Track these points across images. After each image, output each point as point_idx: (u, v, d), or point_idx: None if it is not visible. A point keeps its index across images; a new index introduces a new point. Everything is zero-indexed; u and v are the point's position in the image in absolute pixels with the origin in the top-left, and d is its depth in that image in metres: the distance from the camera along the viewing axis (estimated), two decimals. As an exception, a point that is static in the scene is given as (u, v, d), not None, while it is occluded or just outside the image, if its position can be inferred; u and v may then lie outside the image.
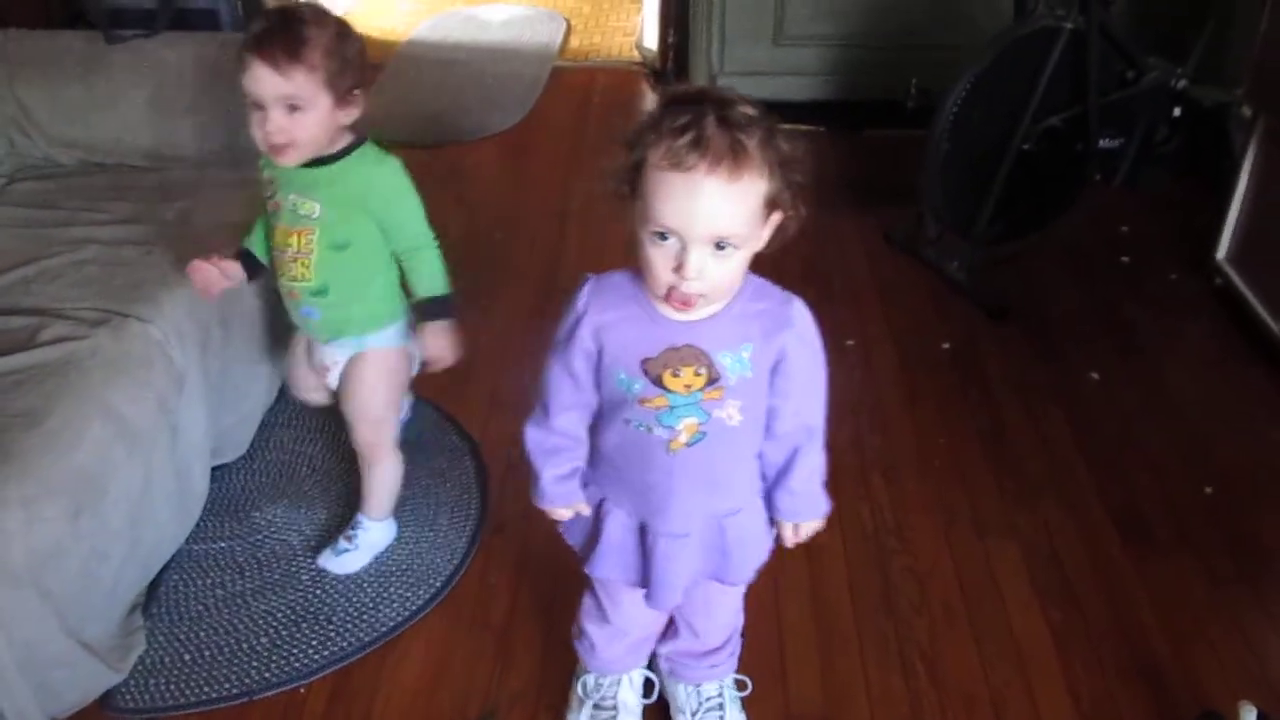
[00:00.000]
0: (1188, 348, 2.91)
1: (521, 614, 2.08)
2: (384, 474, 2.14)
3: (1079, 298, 3.07)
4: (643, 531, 1.53)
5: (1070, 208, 3.15)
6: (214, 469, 2.33)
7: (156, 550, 2.09)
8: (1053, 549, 2.23)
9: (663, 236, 1.26)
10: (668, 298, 1.31)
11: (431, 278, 1.97)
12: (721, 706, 1.81)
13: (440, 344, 1.98)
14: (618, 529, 1.55)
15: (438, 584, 2.12)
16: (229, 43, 2.80)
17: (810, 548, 1.66)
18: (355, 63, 1.85)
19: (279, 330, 2.58)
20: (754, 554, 1.59)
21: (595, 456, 1.54)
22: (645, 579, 1.56)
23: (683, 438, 1.42)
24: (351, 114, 1.89)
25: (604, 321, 1.40)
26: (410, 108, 4.32)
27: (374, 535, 2.17)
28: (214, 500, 2.29)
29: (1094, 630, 2.06)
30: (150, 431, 2.02)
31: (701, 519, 1.51)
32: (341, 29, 1.85)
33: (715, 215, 1.24)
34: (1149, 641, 2.03)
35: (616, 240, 3.49)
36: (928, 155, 2.91)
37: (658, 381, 1.38)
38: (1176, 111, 3.08)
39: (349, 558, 2.15)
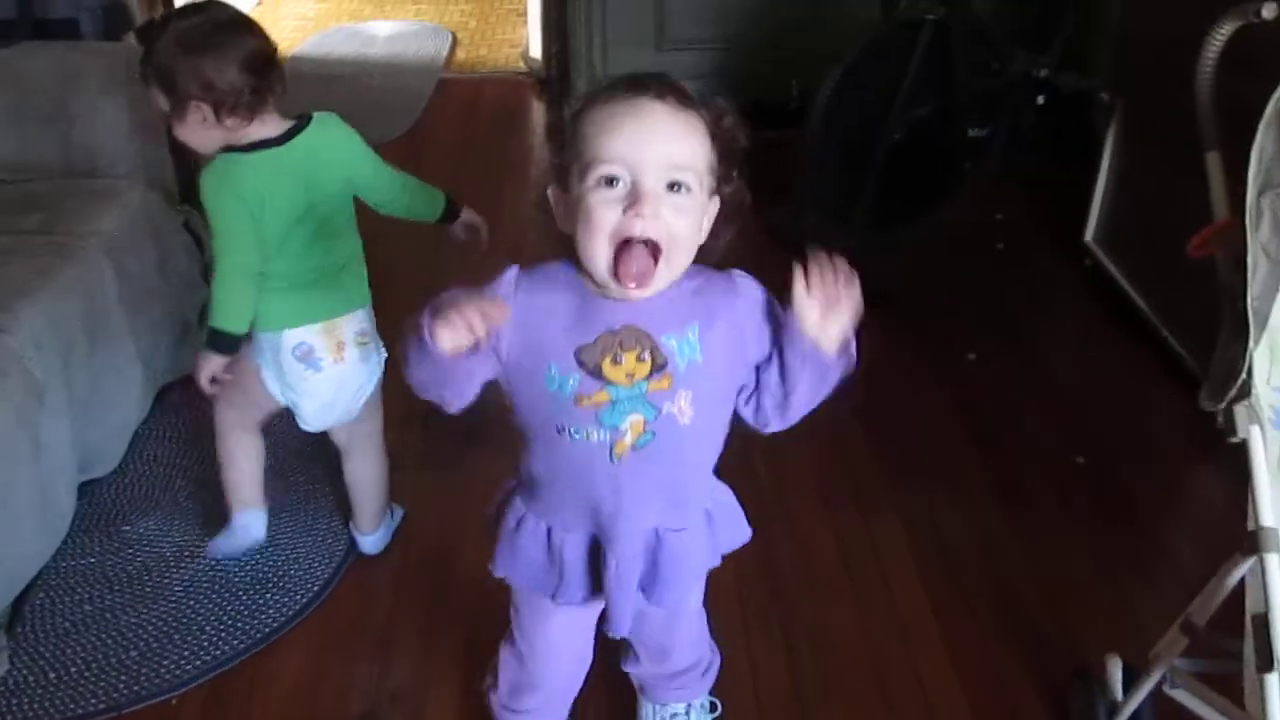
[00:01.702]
0: (1061, 326, 2.99)
1: (401, 616, 2.04)
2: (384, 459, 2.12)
3: (957, 283, 3.13)
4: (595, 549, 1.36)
5: (945, 197, 3.22)
6: (84, 484, 2.27)
7: (19, 568, 2.02)
8: (933, 521, 2.27)
9: (610, 182, 1.14)
10: (617, 269, 1.15)
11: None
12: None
13: None
14: (577, 553, 1.36)
15: (315, 588, 2.08)
16: (91, 52, 2.75)
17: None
18: None
19: (149, 342, 2.52)
20: (687, 579, 1.42)
21: (529, 485, 1.36)
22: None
23: (628, 439, 1.24)
24: None
25: (531, 307, 1.22)
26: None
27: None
28: (83, 516, 2.23)
29: (973, 596, 2.10)
30: (8, 446, 1.95)
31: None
32: None
33: (667, 139, 1.14)
34: (1026, 605, 2.07)
35: (503, 248, 3.50)
36: (802, 147, 2.96)
37: (596, 372, 1.21)
38: (1040, 100, 3.17)
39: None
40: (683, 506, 1.36)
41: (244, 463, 2.07)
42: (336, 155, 1.89)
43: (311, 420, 1.98)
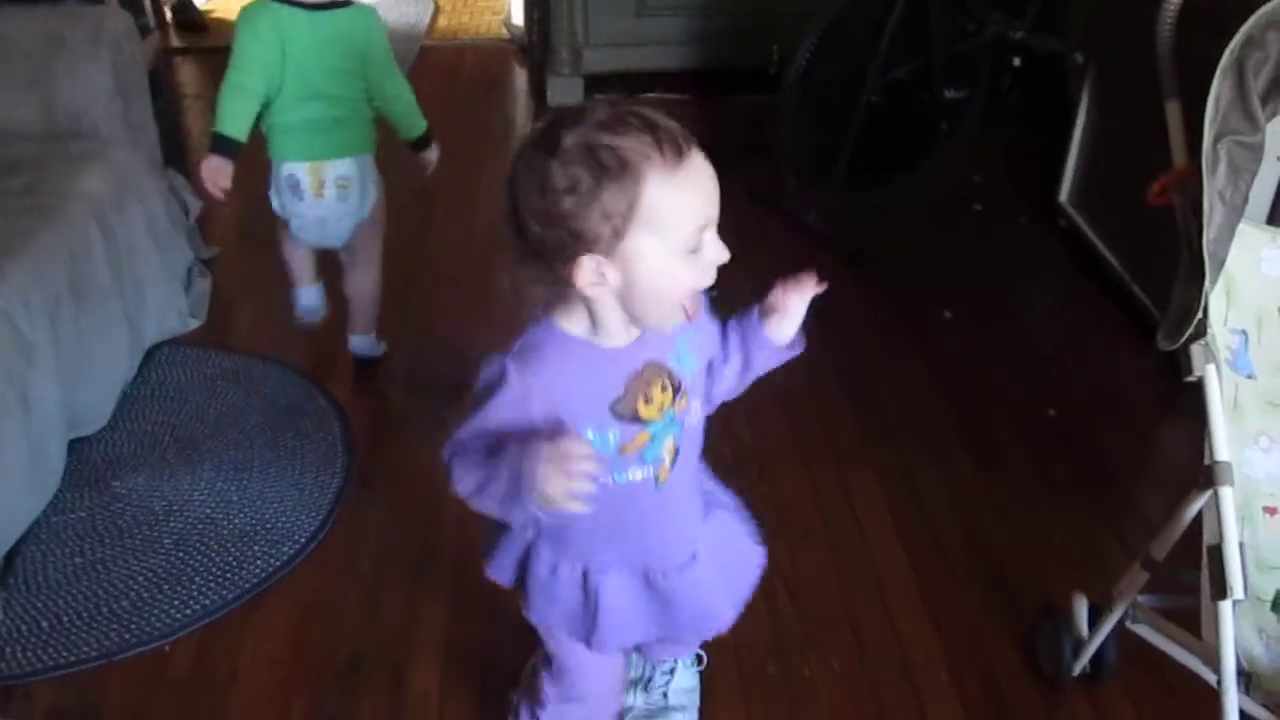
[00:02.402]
0: (1035, 285, 3.04)
1: (389, 565, 2.09)
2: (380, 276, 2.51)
3: (933, 244, 3.18)
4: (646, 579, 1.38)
5: (923, 158, 3.26)
6: (73, 442, 2.30)
7: (11, 522, 2.06)
8: (909, 475, 2.32)
9: (697, 245, 1.13)
10: (687, 310, 1.16)
11: None
12: (672, 671, 1.78)
13: None
14: (620, 593, 1.36)
15: (303, 540, 2.12)
16: (72, 15, 2.75)
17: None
18: None
19: (136, 303, 2.55)
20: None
21: (557, 532, 1.33)
22: (668, 625, 1.41)
23: (666, 462, 1.28)
24: None
25: (551, 388, 1.20)
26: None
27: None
28: (73, 472, 2.26)
29: (946, 545, 2.15)
30: (-3, 402, 1.99)
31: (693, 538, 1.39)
32: None
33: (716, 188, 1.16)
34: (997, 552, 2.12)
35: (485, 214, 3.52)
36: (780, 110, 2.99)
37: (634, 418, 1.22)
38: (1016, 61, 3.21)
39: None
40: (701, 494, 1.41)
41: (297, 260, 2.52)
42: (358, 43, 2.23)
43: (301, 236, 2.41)
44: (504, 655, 1.89)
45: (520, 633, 1.91)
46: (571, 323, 1.21)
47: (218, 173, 2.20)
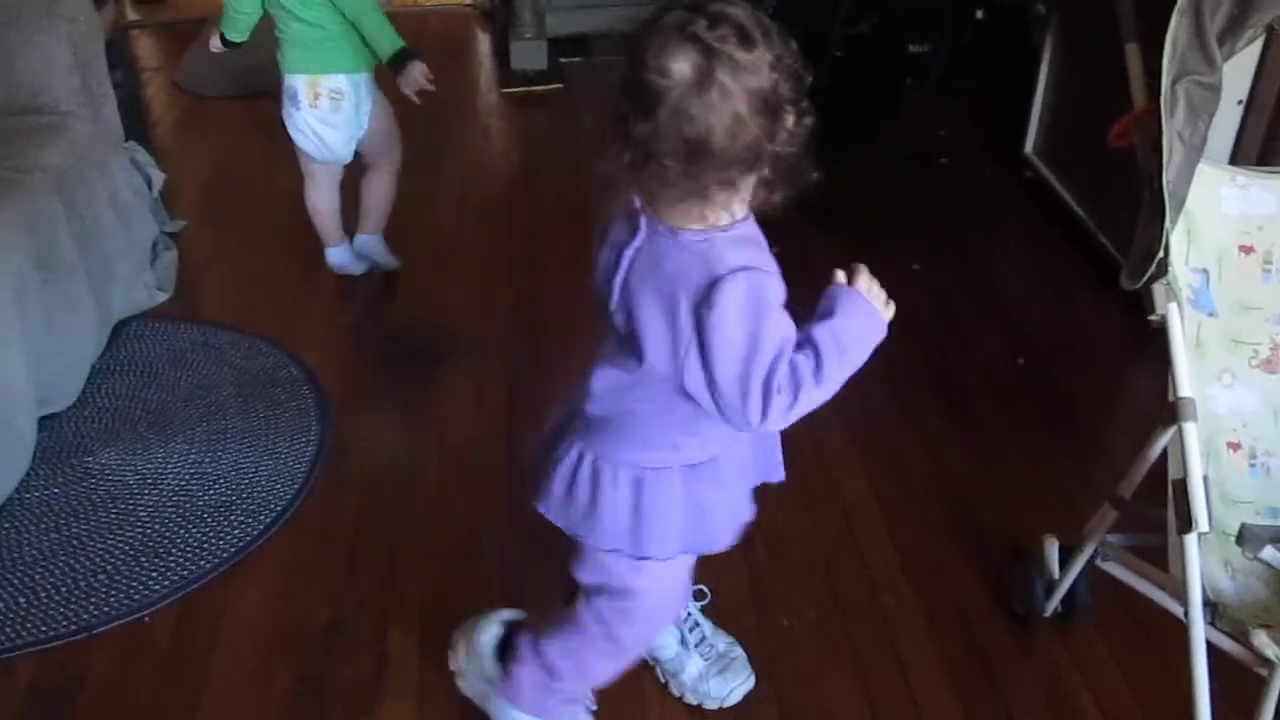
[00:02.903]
0: (1003, 236, 3.06)
1: (366, 530, 2.09)
2: (394, 185, 2.76)
3: (901, 198, 3.19)
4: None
5: (890, 114, 3.27)
6: (44, 418, 2.29)
7: (-17, 500, 2.05)
8: (879, 422, 2.34)
9: None
10: None
11: None
12: (697, 623, 1.80)
13: None
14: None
15: (279, 508, 2.12)
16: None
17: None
18: None
19: (102, 278, 2.53)
20: None
21: (721, 463, 1.41)
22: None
23: None
24: None
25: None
26: (235, 61, 4.21)
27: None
28: (45, 449, 2.25)
29: (916, 488, 2.18)
30: (-36, 378, 1.97)
31: None
32: None
33: None
34: (968, 498, 2.15)
35: (449, 182, 3.51)
36: (746, 66, 2.98)
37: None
38: (979, 15, 3.21)
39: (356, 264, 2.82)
40: None
41: (321, 218, 2.78)
42: None
43: (304, 147, 2.66)
44: (482, 609, 1.91)
45: (499, 594, 1.94)
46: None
47: (215, 49, 2.72)
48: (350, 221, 2.84)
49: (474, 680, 1.67)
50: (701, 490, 1.41)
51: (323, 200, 2.76)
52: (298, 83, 2.56)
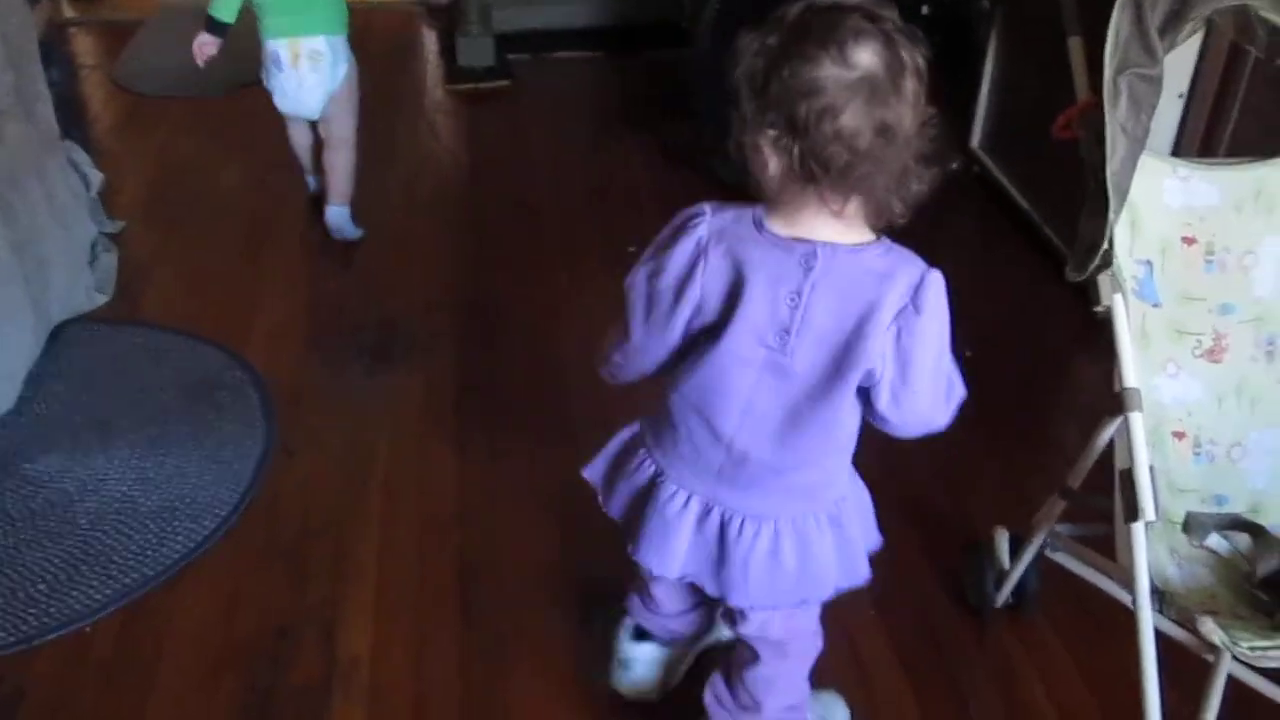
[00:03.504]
0: (951, 229, 3.07)
1: (313, 533, 2.06)
2: (352, 156, 2.94)
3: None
4: None
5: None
6: (-23, 426, 2.23)
7: (-84, 510, 1.99)
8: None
9: None
10: None
11: None
12: None
13: None
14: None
15: (224, 512, 2.08)
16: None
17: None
18: None
19: (39, 282, 2.47)
20: None
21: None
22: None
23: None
24: None
25: None
26: (175, 60, 4.13)
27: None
28: (-21, 457, 2.20)
29: (870, 485, 2.17)
30: (-105, 385, 1.92)
31: None
32: None
33: None
34: (921, 489, 2.16)
35: (397, 179, 3.48)
36: (693, 62, 2.98)
37: None
38: (925, 9, 3.23)
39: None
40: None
41: (298, 151, 3.06)
42: None
43: (281, 106, 2.87)
44: (434, 614, 1.89)
45: (450, 591, 1.92)
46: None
47: (205, 46, 2.75)
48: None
49: None
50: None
51: (303, 138, 3.04)
52: (280, 47, 2.73)
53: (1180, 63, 2.37)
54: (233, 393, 2.38)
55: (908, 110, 1.13)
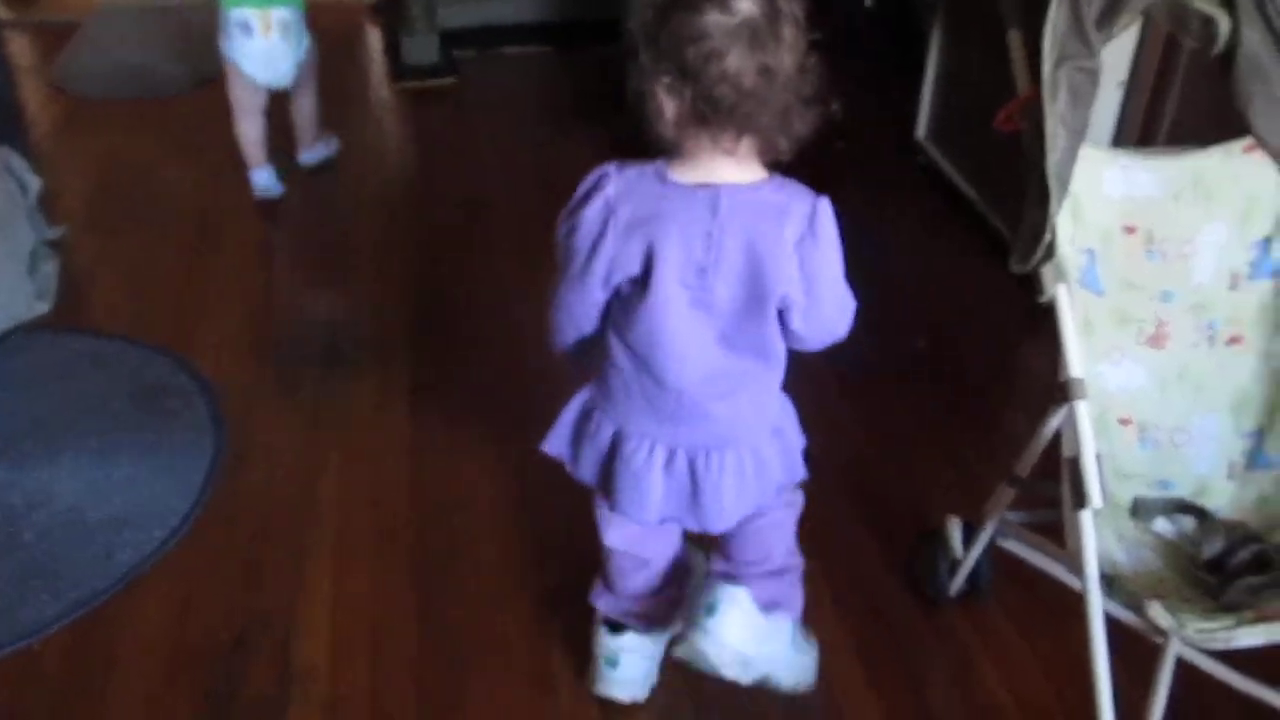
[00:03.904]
0: (899, 220, 3.10)
1: (267, 539, 2.04)
2: (315, 100, 3.19)
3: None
4: None
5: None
6: (-82, 440, 2.19)
7: None
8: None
9: None
10: None
11: None
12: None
13: None
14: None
15: (175, 521, 2.05)
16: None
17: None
18: None
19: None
20: None
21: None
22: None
23: None
24: None
25: None
26: (116, 60, 4.09)
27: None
28: (-80, 472, 2.15)
29: (822, 475, 2.15)
30: None
31: None
32: None
33: None
34: (874, 482, 2.18)
35: (343, 179, 3.44)
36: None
37: None
38: (869, 2, 3.25)
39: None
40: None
41: (249, 140, 3.10)
42: None
43: (252, 73, 2.98)
44: (391, 617, 1.88)
45: (406, 596, 1.91)
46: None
47: None
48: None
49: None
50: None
51: (252, 127, 3.08)
52: (251, 17, 2.90)
53: (1119, 52, 2.40)
54: (181, 399, 2.35)
55: (787, 54, 1.24)
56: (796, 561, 1.70)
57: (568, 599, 1.86)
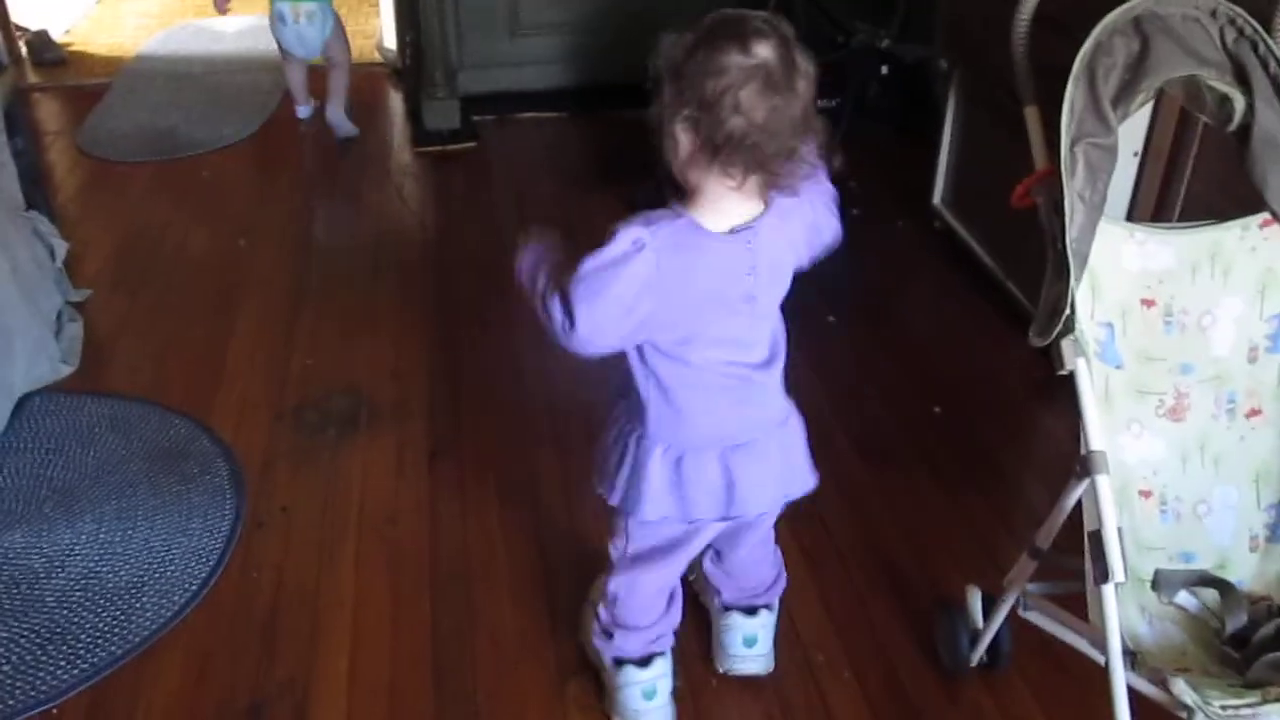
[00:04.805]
0: (915, 286, 3.12)
1: (284, 606, 2.04)
2: (348, 74, 4.08)
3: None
4: None
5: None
6: (-60, 503, 2.20)
7: (-123, 591, 1.96)
8: (801, 479, 2.35)
9: None
10: None
11: None
12: None
13: None
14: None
15: (194, 588, 2.05)
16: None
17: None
18: None
19: (3, 355, 2.45)
20: None
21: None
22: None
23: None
24: None
25: None
26: (141, 123, 4.17)
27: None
28: (-57, 535, 2.16)
29: (842, 547, 2.18)
30: None
31: None
32: None
33: None
34: (891, 550, 2.17)
35: (363, 242, 3.47)
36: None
37: None
38: (884, 70, 3.29)
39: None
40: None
41: (294, 85, 4.19)
42: None
43: (290, 49, 4.00)
44: (408, 687, 1.87)
45: (424, 661, 1.91)
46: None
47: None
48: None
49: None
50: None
51: (296, 75, 4.13)
52: (285, 8, 3.86)
53: (1134, 122, 2.41)
54: (201, 464, 2.37)
55: (797, 103, 1.33)
56: (779, 557, 1.89)
57: (584, 665, 1.86)
